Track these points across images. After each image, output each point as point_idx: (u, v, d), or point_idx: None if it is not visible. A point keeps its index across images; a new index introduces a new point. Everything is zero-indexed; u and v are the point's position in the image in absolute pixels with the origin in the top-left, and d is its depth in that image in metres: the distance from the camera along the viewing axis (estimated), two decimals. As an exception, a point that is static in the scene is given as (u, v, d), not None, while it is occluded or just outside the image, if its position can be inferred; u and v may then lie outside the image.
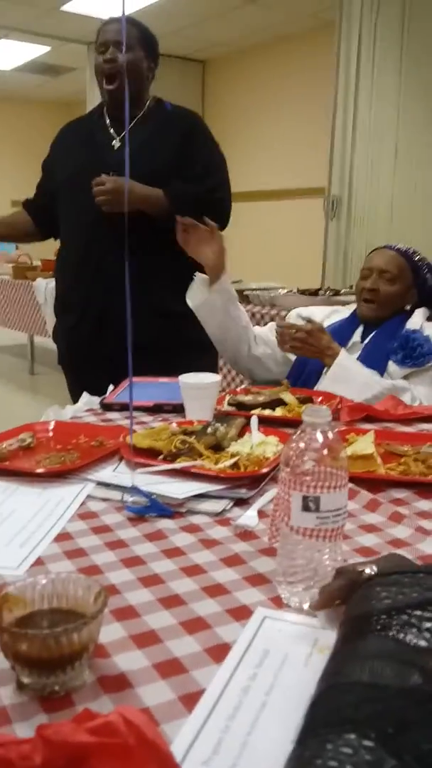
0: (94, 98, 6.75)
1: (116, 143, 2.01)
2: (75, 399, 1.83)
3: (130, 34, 1.98)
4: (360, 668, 0.48)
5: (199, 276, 1.92)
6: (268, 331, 2.01)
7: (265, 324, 2.09)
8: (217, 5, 5.67)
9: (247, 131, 6.84)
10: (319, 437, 0.73)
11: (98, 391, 1.67)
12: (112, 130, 2.04)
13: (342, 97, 4.41)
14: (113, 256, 1.92)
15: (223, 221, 2.04)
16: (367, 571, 0.62)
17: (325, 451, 0.73)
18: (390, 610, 0.53)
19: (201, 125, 2.15)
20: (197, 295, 1.91)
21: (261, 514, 0.97)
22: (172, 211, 1.90)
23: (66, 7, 5.78)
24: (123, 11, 0.97)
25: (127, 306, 1.07)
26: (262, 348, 1.99)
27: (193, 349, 2.06)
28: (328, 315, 2.08)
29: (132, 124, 2.02)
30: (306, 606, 0.74)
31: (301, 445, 0.73)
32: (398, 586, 0.56)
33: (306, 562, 0.74)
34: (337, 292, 3.77)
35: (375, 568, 0.62)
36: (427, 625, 0.51)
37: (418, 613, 0.52)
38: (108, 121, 2.05)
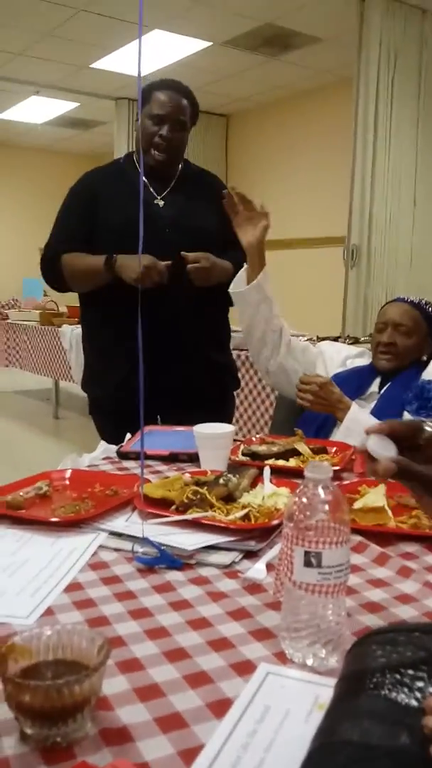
0: (121, 150, 6.96)
1: (159, 202, 2.07)
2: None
3: (186, 110, 2.01)
4: (351, 727, 0.49)
5: (245, 267, 1.99)
6: (302, 349, 2.07)
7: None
8: (240, 63, 5.87)
9: (268, 182, 6.99)
10: (321, 493, 0.75)
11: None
12: (152, 189, 2.09)
13: (360, 149, 4.51)
14: (165, 312, 1.97)
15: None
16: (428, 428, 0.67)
17: (327, 507, 0.74)
18: (384, 668, 0.54)
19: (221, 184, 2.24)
20: (237, 284, 1.99)
21: (270, 567, 0.98)
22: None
23: (95, 65, 6.03)
24: (139, 81, 1.01)
25: (139, 353, 1.10)
26: (291, 361, 2.03)
27: (228, 397, 2.25)
28: (355, 357, 2.10)
29: (170, 187, 2.09)
30: (310, 662, 0.74)
31: (304, 500, 0.75)
32: (393, 644, 0.57)
33: (309, 617, 0.75)
34: (356, 340, 3.79)
35: None
36: (419, 684, 0.52)
37: (411, 672, 0.53)
38: (144, 179, 2.08)
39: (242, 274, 1.99)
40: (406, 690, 0.51)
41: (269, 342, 2.01)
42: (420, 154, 4.71)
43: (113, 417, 2.16)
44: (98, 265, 1.95)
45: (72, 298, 2.40)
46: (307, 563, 0.73)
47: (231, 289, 2.00)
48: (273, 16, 4.87)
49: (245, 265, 1.98)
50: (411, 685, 0.52)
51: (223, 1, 4.61)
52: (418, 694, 0.51)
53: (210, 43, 5.44)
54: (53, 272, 2.10)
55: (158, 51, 5.53)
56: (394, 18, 4.50)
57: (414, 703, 0.50)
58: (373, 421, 1.75)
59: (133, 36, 5.23)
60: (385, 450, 0.76)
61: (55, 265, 2.07)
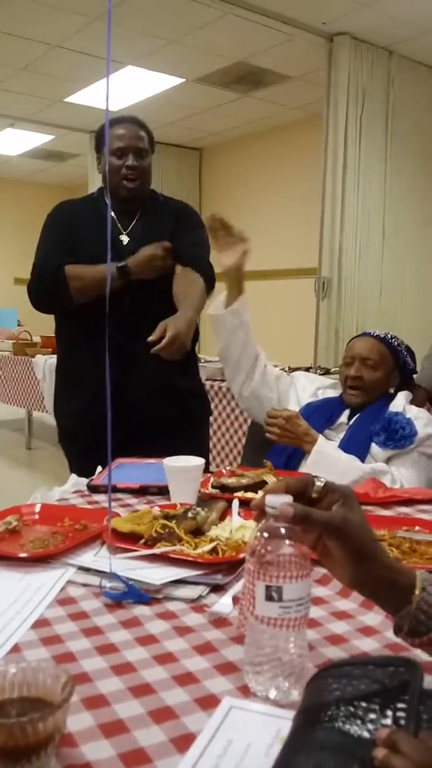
0: (95, 182, 7.03)
1: (124, 238, 2.11)
2: (81, 476, 1.83)
3: (144, 139, 2.10)
4: (306, 760, 0.51)
5: (223, 294, 2.02)
6: (276, 377, 2.09)
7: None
8: (213, 99, 6.00)
9: (241, 214, 7.09)
10: (282, 527, 0.77)
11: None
12: (119, 225, 2.13)
13: (330, 183, 4.63)
14: (129, 339, 1.99)
15: (211, 284, 2.15)
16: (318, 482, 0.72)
17: (288, 541, 0.76)
18: (338, 701, 0.56)
19: (190, 208, 2.30)
20: (215, 308, 2.02)
21: (236, 600, 0.99)
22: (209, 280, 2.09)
23: (70, 99, 6.11)
24: (107, 115, 1.05)
25: (107, 386, 1.12)
26: (265, 389, 2.06)
27: (197, 421, 2.23)
28: (327, 388, 2.13)
29: (135, 220, 2.14)
30: (272, 695, 0.76)
31: (265, 534, 0.77)
32: (348, 677, 0.59)
33: (272, 651, 0.77)
34: (327, 371, 3.85)
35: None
36: (372, 716, 0.54)
37: (364, 704, 0.55)
38: (113, 214, 2.12)
39: (221, 298, 2.02)
40: (359, 722, 0.53)
41: (244, 367, 2.04)
42: (388, 189, 4.84)
43: (78, 445, 2.19)
44: (105, 270, 1.95)
45: (47, 327, 2.41)
46: (269, 597, 0.75)
47: (209, 312, 2.03)
48: (245, 55, 5.00)
49: (224, 292, 2.01)
50: (364, 717, 0.54)
51: (196, 39, 4.73)
52: (371, 726, 0.53)
53: (183, 80, 5.55)
54: (56, 285, 2.04)
55: (132, 86, 5.63)
56: (362, 59, 4.65)
57: (366, 734, 0.52)
58: (338, 454, 1.79)
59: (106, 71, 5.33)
60: (280, 504, 0.78)
61: (58, 277, 2.02)
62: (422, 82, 4.97)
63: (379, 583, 0.74)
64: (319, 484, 0.76)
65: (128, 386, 2.01)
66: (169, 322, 1.85)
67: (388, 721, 0.53)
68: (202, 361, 2.35)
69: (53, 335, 2.28)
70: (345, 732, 0.53)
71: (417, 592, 0.71)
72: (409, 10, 4.19)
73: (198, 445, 2.20)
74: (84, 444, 2.14)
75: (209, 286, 2.11)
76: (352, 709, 0.55)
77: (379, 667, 0.60)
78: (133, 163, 2.06)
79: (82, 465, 1.95)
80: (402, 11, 4.21)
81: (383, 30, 4.49)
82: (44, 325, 2.66)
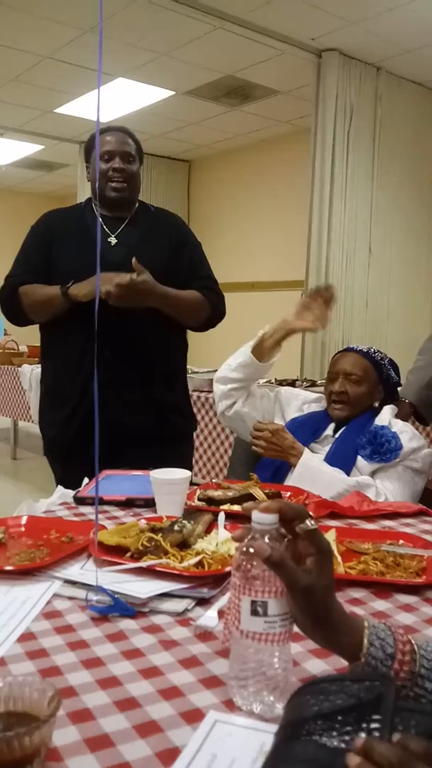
0: (84, 192, 7.05)
1: (112, 240, 2.13)
2: (66, 487, 1.84)
3: (131, 145, 2.14)
4: None
5: (264, 331, 2.03)
6: (261, 396, 2.10)
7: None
8: (202, 112, 6.04)
9: (229, 225, 7.14)
10: (267, 542, 0.78)
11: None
12: (106, 228, 2.15)
13: (317, 197, 4.67)
14: (112, 351, 2.02)
15: (222, 310, 2.22)
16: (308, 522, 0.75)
17: (273, 557, 0.77)
18: (316, 716, 0.58)
19: (185, 225, 2.32)
20: (251, 345, 2.02)
21: (221, 614, 1.00)
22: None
23: (59, 110, 6.13)
24: (98, 123, 1.06)
25: (95, 397, 1.12)
26: (249, 408, 2.06)
27: (179, 437, 2.22)
28: (312, 402, 2.15)
29: (123, 225, 2.16)
30: (257, 710, 0.77)
31: (251, 550, 0.78)
32: (325, 693, 0.61)
33: (256, 665, 0.77)
34: (314, 383, 3.87)
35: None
36: (348, 728, 0.55)
37: (341, 718, 0.56)
38: (100, 219, 2.16)
39: (259, 334, 2.02)
40: (335, 734, 0.55)
41: (233, 397, 2.06)
42: (374, 204, 4.88)
43: (62, 457, 2.19)
44: (55, 293, 2.02)
45: (33, 337, 2.41)
46: (254, 612, 0.76)
47: (245, 350, 2.02)
48: (234, 69, 5.05)
49: (261, 332, 2.02)
50: (341, 730, 0.55)
51: (186, 53, 4.76)
52: (347, 737, 0.54)
53: (173, 93, 5.59)
54: (12, 303, 2.13)
55: (122, 98, 5.66)
56: (350, 74, 4.70)
57: (342, 745, 0.53)
58: (324, 467, 1.81)
59: (96, 83, 5.36)
60: (267, 522, 0.78)
61: (14, 296, 2.11)
62: (409, 98, 5.03)
63: (329, 641, 0.77)
64: (308, 524, 0.76)
65: (112, 399, 2.01)
66: (148, 275, 1.93)
67: (363, 734, 0.55)
68: (190, 371, 2.35)
69: (39, 345, 2.29)
70: (322, 745, 0.54)
71: (363, 650, 0.74)
72: (396, 29, 4.25)
73: (181, 459, 2.21)
74: (68, 455, 2.15)
75: (210, 308, 2.16)
76: (329, 723, 0.56)
77: (355, 683, 0.61)
78: (120, 166, 2.09)
79: (66, 476, 1.95)
80: (389, 29, 4.27)
81: (371, 47, 4.55)
82: (31, 334, 2.65)
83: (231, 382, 2.04)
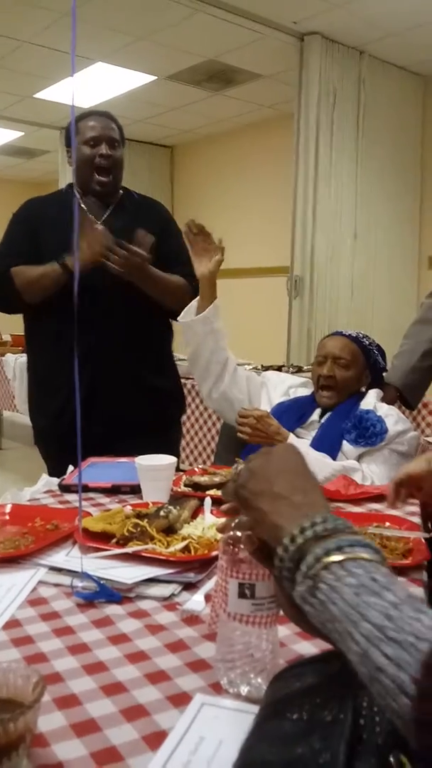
0: (66, 179, 6.97)
1: (98, 227, 2.11)
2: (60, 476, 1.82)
3: (116, 130, 2.12)
4: (266, 747, 0.56)
5: (196, 299, 2.03)
6: (246, 378, 2.10)
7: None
8: (184, 96, 5.99)
9: (213, 211, 7.09)
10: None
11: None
12: (91, 216, 2.12)
13: (302, 182, 4.65)
14: (102, 339, 2.01)
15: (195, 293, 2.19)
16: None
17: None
18: (290, 696, 0.60)
19: (168, 213, 2.32)
20: (186, 314, 2.03)
21: (208, 598, 1.00)
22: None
23: (39, 95, 6.05)
24: (72, 111, 1.05)
25: (75, 386, 1.11)
26: (235, 390, 2.06)
27: (169, 423, 2.25)
28: (298, 386, 2.15)
29: (108, 212, 2.14)
30: (244, 692, 0.76)
31: (238, 533, 0.77)
32: (297, 676, 0.63)
33: (243, 647, 0.77)
34: (300, 369, 3.87)
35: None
36: (307, 706, 0.58)
37: (308, 697, 0.59)
38: (84, 206, 2.13)
39: (193, 304, 2.03)
40: (304, 712, 0.57)
41: (213, 372, 2.05)
42: (359, 188, 4.87)
43: (56, 446, 2.17)
44: (51, 268, 2.01)
45: (16, 326, 2.39)
46: (241, 594, 0.76)
47: (179, 319, 2.03)
48: (216, 53, 4.99)
49: (197, 297, 2.02)
50: (307, 707, 0.58)
51: (167, 37, 4.71)
52: (307, 714, 0.57)
53: (154, 77, 5.52)
54: (3, 285, 2.10)
55: (102, 83, 5.59)
56: (333, 58, 4.67)
57: (305, 716, 0.57)
58: (310, 452, 1.80)
59: (77, 68, 5.29)
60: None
61: (4, 278, 2.08)
62: (393, 82, 5.01)
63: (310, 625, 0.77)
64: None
65: (103, 386, 2.01)
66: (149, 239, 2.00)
67: (333, 711, 0.56)
68: (176, 359, 2.35)
69: (23, 334, 2.27)
70: (293, 720, 0.57)
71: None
72: (379, 12, 4.22)
73: (171, 445, 2.20)
74: (61, 444, 2.13)
75: (192, 292, 2.14)
76: (298, 700, 0.59)
77: (324, 662, 0.62)
78: (107, 152, 2.07)
79: (58, 465, 1.94)
80: (372, 12, 4.24)
81: (354, 30, 4.52)
82: (14, 323, 2.63)
83: (191, 360, 2.06)
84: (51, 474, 2.12)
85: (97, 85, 5.61)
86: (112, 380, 2.06)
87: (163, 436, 2.14)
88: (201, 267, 1.99)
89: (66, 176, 6.98)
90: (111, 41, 4.78)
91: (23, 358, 4.79)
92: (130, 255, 1.95)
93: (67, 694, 0.76)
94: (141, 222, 2.14)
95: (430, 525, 1.44)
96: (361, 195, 4.88)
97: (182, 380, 2.36)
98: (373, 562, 0.56)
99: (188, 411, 3.73)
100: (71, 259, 1.96)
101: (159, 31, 4.62)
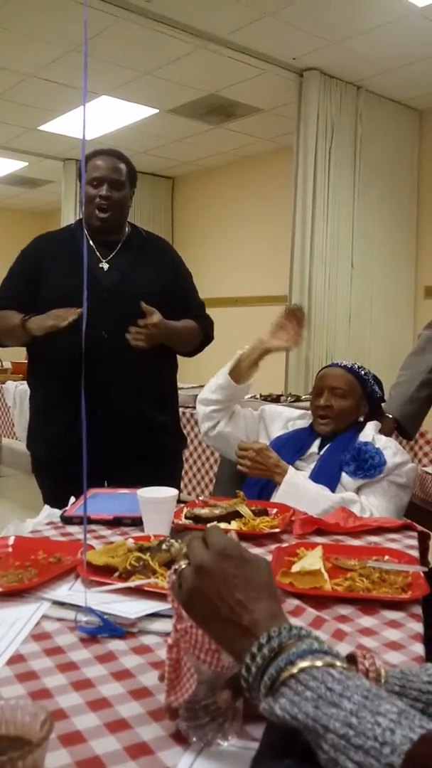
0: (68, 209, 7.07)
1: (104, 266, 2.15)
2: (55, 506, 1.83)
3: (122, 171, 2.15)
4: None
5: (239, 353, 2.06)
6: (244, 416, 2.12)
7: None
8: (185, 129, 6.09)
9: (213, 241, 7.18)
10: None
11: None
12: (98, 254, 2.16)
13: (300, 213, 4.71)
14: (105, 373, 2.05)
15: (211, 335, 2.32)
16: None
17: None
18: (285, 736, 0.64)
19: (176, 253, 2.37)
20: (228, 367, 2.04)
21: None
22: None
23: (43, 127, 6.16)
24: (83, 152, 1.08)
25: (82, 417, 1.13)
26: (232, 428, 2.07)
27: (169, 456, 2.28)
28: (296, 419, 2.17)
29: (116, 251, 2.18)
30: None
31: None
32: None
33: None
34: (298, 398, 3.89)
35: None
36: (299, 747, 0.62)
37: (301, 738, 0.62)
38: (92, 243, 2.17)
39: (236, 357, 2.05)
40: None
41: (215, 418, 2.07)
42: (356, 219, 4.94)
43: (52, 477, 2.19)
44: (17, 324, 2.05)
45: (17, 354, 2.43)
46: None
47: (223, 371, 2.05)
48: (217, 88, 5.10)
49: (239, 352, 2.05)
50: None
51: (169, 72, 4.81)
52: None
53: (156, 111, 5.63)
54: None
55: (106, 116, 5.69)
56: (331, 93, 4.77)
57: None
58: (308, 484, 1.82)
59: (80, 101, 5.39)
60: None
61: None
62: (389, 116, 5.12)
63: None
64: None
65: (103, 419, 2.02)
66: (157, 314, 2.02)
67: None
68: (179, 389, 2.38)
69: (24, 361, 2.30)
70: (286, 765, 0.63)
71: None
72: (375, 48, 4.32)
73: (172, 476, 2.22)
74: (58, 474, 2.14)
75: (202, 332, 2.25)
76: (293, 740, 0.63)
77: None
78: (107, 193, 2.11)
79: (55, 495, 1.95)
80: (368, 49, 4.34)
81: (351, 66, 4.62)
82: (15, 351, 2.66)
83: (212, 403, 2.06)
84: (46, 502, 2.14)
85: (102, 117, 5.72)
86: (114, 413, 2.08)
87: (163, 469, 2.16)
88: (275, 344, 2.04)
89: (68, 206, 7.08)
90: (115, 76, 4.88)
91: (23, 385, 4.81)
92: (145, 330, 2.02)
93: (71, 731, 0.77)
94: (148, 260, 2.19)
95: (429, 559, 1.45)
96: (359, 225, 4.95)
97: (181, 409, 2.39)
98: (323, 667, 0.61)
99: (187, 441, 3.74)
100: (33, 321, 2.00)
101: (162, 67, 4.73)
